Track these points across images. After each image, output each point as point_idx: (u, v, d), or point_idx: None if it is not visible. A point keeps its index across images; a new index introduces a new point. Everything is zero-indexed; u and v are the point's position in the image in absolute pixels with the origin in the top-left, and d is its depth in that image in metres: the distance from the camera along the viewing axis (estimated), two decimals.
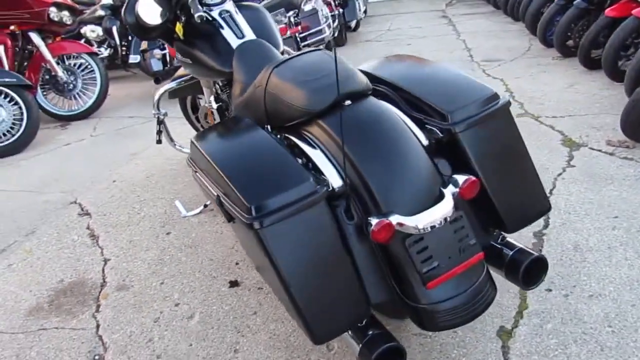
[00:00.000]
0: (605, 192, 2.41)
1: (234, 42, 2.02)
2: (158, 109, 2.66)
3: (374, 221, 1.21)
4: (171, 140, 2.87)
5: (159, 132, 2.74)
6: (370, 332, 1.30)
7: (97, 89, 4.78)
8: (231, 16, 2.09)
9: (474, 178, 1.31)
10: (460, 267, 1.28)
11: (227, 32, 2.05)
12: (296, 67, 1.51)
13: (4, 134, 3.99)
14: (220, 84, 2.31)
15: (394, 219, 1.22)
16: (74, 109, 4.78)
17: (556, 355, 1.55)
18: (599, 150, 2.85)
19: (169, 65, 4.68)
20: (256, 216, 1.16)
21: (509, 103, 1.44)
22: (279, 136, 1.51)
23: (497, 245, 1.49)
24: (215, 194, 1.36)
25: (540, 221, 2.22)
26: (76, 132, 4.44)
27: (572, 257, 1.98)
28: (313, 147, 1.40)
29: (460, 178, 1.31)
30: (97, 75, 4.76)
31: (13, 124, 4.00)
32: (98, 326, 1.92)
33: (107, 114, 4.89)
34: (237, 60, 1.97)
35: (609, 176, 2.55)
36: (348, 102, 1.40)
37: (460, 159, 1.40)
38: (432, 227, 1.23)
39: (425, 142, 1.40)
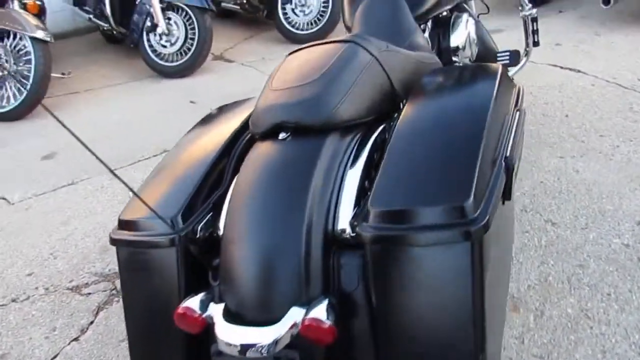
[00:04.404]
0: None
1: None
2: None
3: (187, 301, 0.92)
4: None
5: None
6: None
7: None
8: None
9: (327, 324, 0.82)
10: None
11: None
12: (298, 62, 1.14)
13: None
14: None
15: (213, 312, 0.89)
16: None
17: None
18: None
19: None
20: (114, 236, 1.04)
21: (481, 230, 0.79)
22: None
23: None
24: None
25: None
26: None
27: None
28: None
29: (316, 307, 0.84)
30: None
31: None
32: None
33: None
34: (360, 14, 1.71)
35: None
36: (283, 135, 1.02)
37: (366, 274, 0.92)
38: (228, 346, 0.84)
39: (341, 227, 0.92)
